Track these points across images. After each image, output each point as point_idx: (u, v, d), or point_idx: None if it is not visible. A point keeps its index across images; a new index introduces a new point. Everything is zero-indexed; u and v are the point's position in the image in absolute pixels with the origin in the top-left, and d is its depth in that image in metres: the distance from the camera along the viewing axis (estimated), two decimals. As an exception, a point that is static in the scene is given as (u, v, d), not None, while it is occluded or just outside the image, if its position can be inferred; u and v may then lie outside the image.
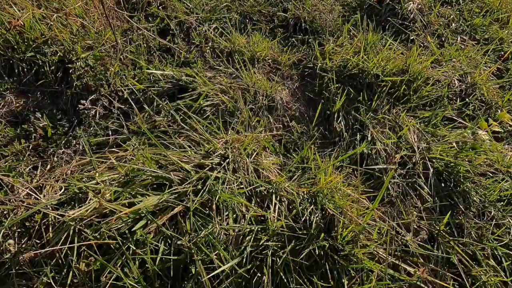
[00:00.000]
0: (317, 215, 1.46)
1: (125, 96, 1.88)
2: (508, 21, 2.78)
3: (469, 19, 2.76)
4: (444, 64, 2.34)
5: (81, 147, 1.69)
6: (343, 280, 1.36)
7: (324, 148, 1.88)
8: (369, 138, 1.85)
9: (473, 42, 2.59)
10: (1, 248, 1.27)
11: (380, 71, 2.11)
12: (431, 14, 2.72)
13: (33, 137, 1.68)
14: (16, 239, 1.31)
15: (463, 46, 2.55)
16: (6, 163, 1.57)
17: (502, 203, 1.63)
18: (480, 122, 1.76)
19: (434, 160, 1.76)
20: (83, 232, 1.32)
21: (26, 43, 1.96)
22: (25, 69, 1.94)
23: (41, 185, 1.48)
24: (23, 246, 1.30)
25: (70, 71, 1.90)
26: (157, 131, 1.78)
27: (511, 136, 2.02)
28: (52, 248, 1.23)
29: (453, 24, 2.70)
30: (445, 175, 1.71)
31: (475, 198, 1.62)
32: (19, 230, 1.34)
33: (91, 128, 1.78)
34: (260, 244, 1.38)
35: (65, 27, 2.05)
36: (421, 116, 1.99)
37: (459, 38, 2.59)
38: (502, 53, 2.50)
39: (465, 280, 1.42)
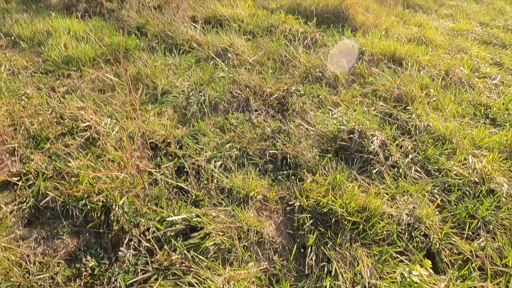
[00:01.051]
0: None
1: (148, 237, 2.53)
2: (455, 152, 3.43)
3: (423, 150, 3.43)
4: (398, 198, 2.97)
5: (118, 283, 2.31)
6: None
7: (299, 280, 2.47)
8: (332, 274, 2.44)
9: (425, 174, 3.24)
10: None
11: (345, 210, 2.74)
12: (392, 145, 3.40)
13: (83, 275, 2.31)
14: None
15: (417, 178, 3.20)
16: (66, 301, 2.20)
17: (429, 335, 2.18)
18: (411, 266, 2.34)
19: (380, 295, 2.33)
20: None
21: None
22: (77, 213, 2.62)
23: (91, 321, 2.08)
24: None
25: (111, 217, 2.58)
26: (173, 268, 2.41)
27: (452, 266, 2.58)
28: None
29: (409, 156, 3.37)
30: (388, 309, 2.27)
31: (408, 332, 2.17)
32: None
33: (125, 265, 2.41)
34: None
35: (109, 180, 2.76)
36: (375, 252, 2.58)
37: (413, 170, 3.24)
38: (447, 185, 3.13)
39: None
